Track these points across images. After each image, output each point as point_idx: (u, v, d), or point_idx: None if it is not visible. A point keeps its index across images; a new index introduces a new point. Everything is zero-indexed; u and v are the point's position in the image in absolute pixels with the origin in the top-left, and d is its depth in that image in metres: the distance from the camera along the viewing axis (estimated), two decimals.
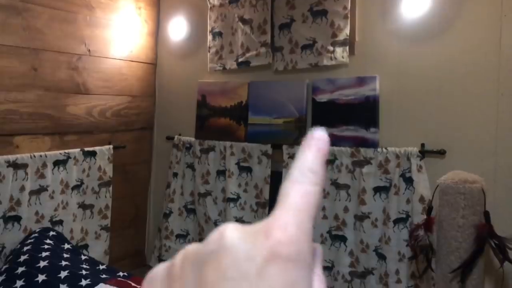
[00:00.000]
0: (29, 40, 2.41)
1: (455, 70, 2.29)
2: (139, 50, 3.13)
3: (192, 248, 0.30)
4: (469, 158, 2.23)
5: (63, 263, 2.10)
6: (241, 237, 0.27)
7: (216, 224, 2.90)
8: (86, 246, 2.70)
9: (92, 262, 2.25)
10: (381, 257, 2.41)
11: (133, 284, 2.06)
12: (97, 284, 2.00)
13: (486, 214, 1.91)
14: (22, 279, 1.97)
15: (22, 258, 2.08)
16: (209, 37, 2.99)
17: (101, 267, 2.22)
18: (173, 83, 3.22)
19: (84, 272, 2.07)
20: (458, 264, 1.90)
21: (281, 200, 0.30)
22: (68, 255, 2.20)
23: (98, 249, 2.77)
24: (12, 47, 2.33)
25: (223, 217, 2.89)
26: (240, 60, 2.84)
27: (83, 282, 2.00)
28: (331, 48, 2.53)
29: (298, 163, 0.31)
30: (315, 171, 0.31)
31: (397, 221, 2.36)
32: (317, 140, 0.32)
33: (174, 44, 3.20)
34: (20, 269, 2.02)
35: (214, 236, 0.28)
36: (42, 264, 2.05)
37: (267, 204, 2.75)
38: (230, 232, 0.28)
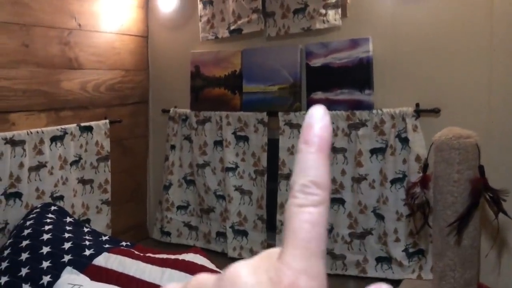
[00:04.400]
0: (18, 16, 2.38)
1: (447, 28, 2.28)
2: (130, 23, 3.10)
3: (206, 280, 0.29)
4: (464, 115, 2.25)
5: (66, 235, 2.14)
6: (256, 285, 0.27)
7: (215, 194, 2.93)
8: (88, 221, 2.73)
9: (95, 234, 2.29)
10: (379, 217, 2.45)
11: (136, 252, 2.10)
12: (100, 253, 2.03)
13: (481, 168, 1.94)
14: (27, 252, 2.00)
15: (26, 232, 2.11)
16: (200, 6, 2.96)
17: (104, 238, 2.25)
18: (165, 55, 3.21)
19: (87, 242, 2.11)
20: (454, 218, 1.93)
21: (287, 233, 0.28)
22: (70, 228, 2.23)
23: (100, 223, 2.80)
24: (1, 23, 2.30)
25: (222, 187, 2.92)
26: (232, 28, 2.82)
27: (87, 252, 2.03)
28: (323, 11, 2.51)
29: (299, 174, 0.28)
30: (320, 182, 0.28)
31: (394, 181, 2.39)
32: (317, 130, 0.28)
33: (165, 15, 3.17)
34: (25, 243, 2.05)
35: (229, 277, 0.27)
36: (45, 237, 2.08)
37: (265, 171, 2.77)
38: (245, 278, 0.27)
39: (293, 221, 0.27)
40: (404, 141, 2.36)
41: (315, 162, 0.28)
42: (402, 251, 2.38)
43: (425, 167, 2.09)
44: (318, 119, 0.28)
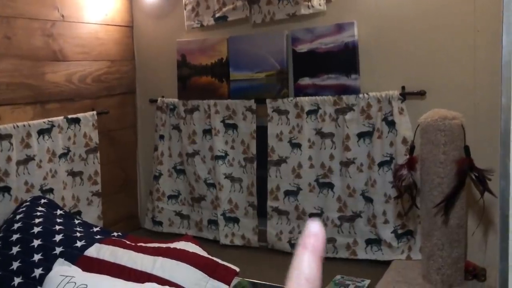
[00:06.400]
0: None
1: (431, 11, 2.29)
2: (114, 13, 3.07)
3: None
4: (449, 96, 2.27)
5: (57, 227, 2.13)
6: None
7: (206, 182, 2.94)
8: (79, 213, 2.73)
9: (86, 225, 2.29)
10: (368, 200, 2.48)
11: (127, 242, 2.10)
12: (92, 244, 2.04)
13: (466, 149, 1.97)
14: (18, 245, 2.00)
15: (16, 225, 2.11)
16: None
17: (95, 229, 2.26)
18: (151, 44, 3.18)
19: (78, 234, 2.11)
20: (441, 199, 1.96)
21: None
22: (61, 220, 2.22)
23: (91, 215, 2.80)
24: None
25: (212, 175, 2.93)
26: (217, 15, 2.80)
27: (78, 244, 2.03)
28: None
29: (295, 272, 0.35)
30: (312, 279, 0.35)
31: (381, 164, 2.42)
32: (312, 239, 0.36)
33: (149, 4, 3.14)
34: (15, 236, 2.05)
35: None
36: (36, 230, 2.08)
37: (255, 158, 2.78)
38: None
39: None
40: (391, 124, 2.38)
41: (309, 262, 0.35)
42: (391, 232, 2.42)
43: (411, 149, 2.12)
44: (313, 231, 0.36)
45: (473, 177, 1.94)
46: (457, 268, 2.02)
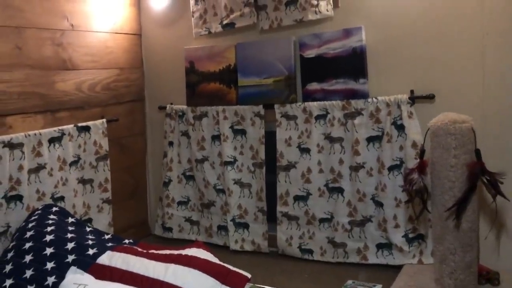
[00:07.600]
0: (9, 19, 2.38)
1: (439, 14, 2.29)
2: (122, 22, 3.10)
3: None
4: (458, 100, 2.26)
5: (69, 235, 2.15)
6: None
7: (215, 188, 2.95)
8: (89, 220, 2.74)
9: (98, 233, 2.30)
10: (378, 204, 2.47)
11: (139, 250, 2.11)
12: (104, 252, 2.05)
13: (477, 152, 1.96)
14: (31, 254, 2.01)
15: (28, 234, 2.12)
16: (192, 1, 2.95)
17: (106, 236, 2.27)
18: (160, 52, 3.20)
19: (90, 242, 2.12)
20: (452, 202, 1.95)
21: None
22: (73, 228, 2.24)
23: (102, 222, 2.81)
24: None
25: (221, 181, 2.93)
26: (224, 22, 2.82)
27: (90, 251, 2.05)
28: (315, 2, 2.51)
29: None
30: None
31: (391, 168, 2.41)
32: None
33: (157, 12, 3.16)
34: (28, 245, 2.06)
35: None
36: (48, 238, 2.09)
37: (264, 164, 2.79)
38: None
39: None
40: (400, 128, 2.37)
41: None
42: (402, 236, 2.41)
43: (422, 153, 2.11)
44: None
45: (485, 180, 1.93)
46: (470, 272, 2.01)
